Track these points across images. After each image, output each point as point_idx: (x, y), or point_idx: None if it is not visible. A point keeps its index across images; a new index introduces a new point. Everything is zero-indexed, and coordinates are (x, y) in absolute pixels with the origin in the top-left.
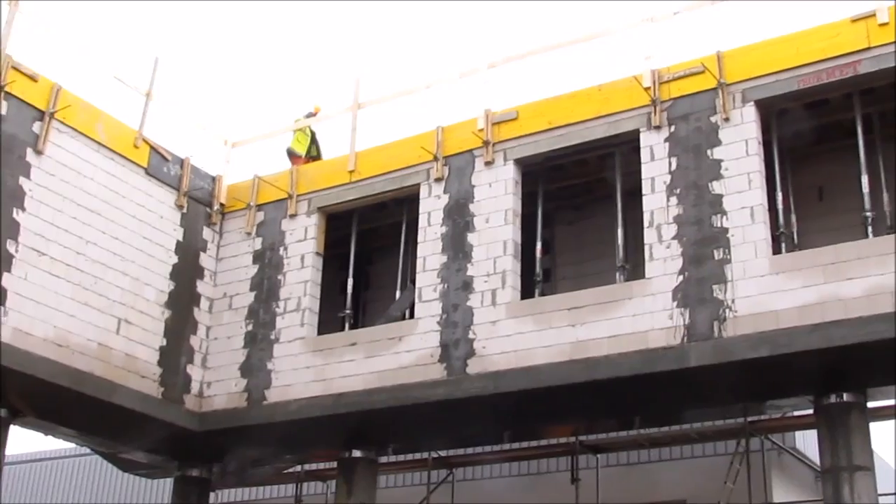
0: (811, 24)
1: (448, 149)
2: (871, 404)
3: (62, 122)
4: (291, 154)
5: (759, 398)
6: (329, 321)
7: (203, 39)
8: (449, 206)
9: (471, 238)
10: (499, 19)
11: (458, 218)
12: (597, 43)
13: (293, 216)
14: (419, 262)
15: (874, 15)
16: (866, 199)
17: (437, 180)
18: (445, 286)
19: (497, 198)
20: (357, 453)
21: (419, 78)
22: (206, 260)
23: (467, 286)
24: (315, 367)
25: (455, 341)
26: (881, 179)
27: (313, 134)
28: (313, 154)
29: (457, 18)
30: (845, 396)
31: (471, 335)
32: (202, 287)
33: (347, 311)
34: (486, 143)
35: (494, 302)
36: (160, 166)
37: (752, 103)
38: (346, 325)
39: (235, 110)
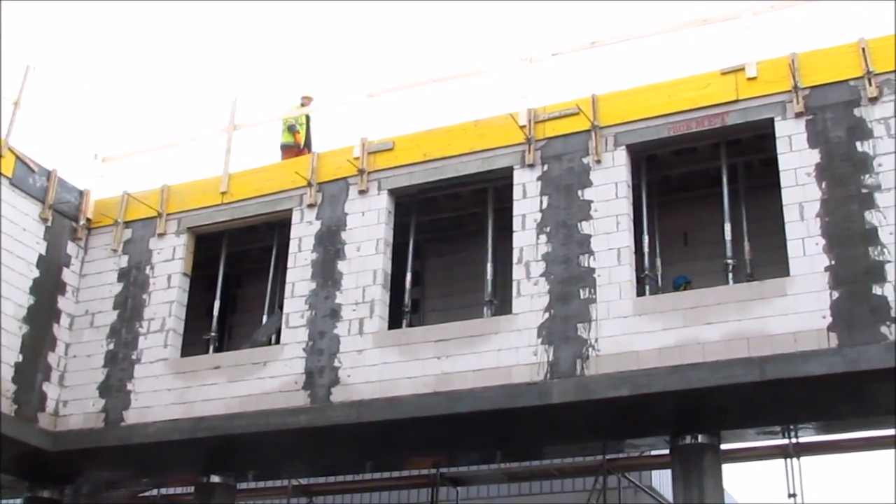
0: (684, 73)
1: (322, 175)
2: (724, 446)
3: None
4: (285, 147)
5: (617, 436)
6: (194, 343)
7: (81, 52)
8: (321, 233)
9: (341, 266)
10: (384, 50)
11: (330, 245)
12: (476, 79)
13: (162, 235)
14: (288, 287)
15: (743, 69)
16: (728, 246)
17: (310, 206)
18: (313, 313)
19: (369, 227)
20: (215, 479)
21: (296, 103)
22: (68, 275)
23: (335, 314)
24: (176, 390)
25: (320, 369)
26: (743, 228)
27: (308, 123)
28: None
29: (341, 46)
30: (700, 438)
31: (336, 363)
32: (63, 303)
33: (213, 334)
34: (360, 172)
35: (361, 331)
36: (25, 177)
37: (623, 147)
38: (211, 348)
39: (109, 124)
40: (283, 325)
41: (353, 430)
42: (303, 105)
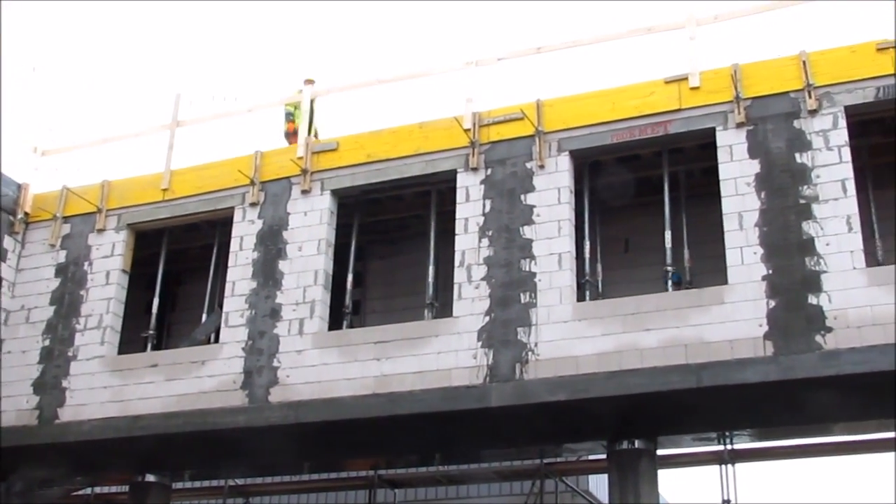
0: (629, 81)
1: (265, 174)
2: (660, 452)
3: None
4: (290, 134)
5: (555, 441)
6: (132, 341)
7: (20, 43)
8: (262, 232)
9: (282, 265)
10: (331, 51)
11: (271, 244)
12: (421, 81)
13: (101, 231)
14: (228, 286)
15: (687, 78)
16: (668, 253)
17: (252, 205)
18: (253, 312)
19: (311, 227)
20: (151, 478)
21: (241, 100)
22: (5, 270)
23: (275, 314)
24: (113, 388)
25: (259, 368)
26: (683, 236)
27: (312, 109)
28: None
29: (287, 44)
30: (637, 443)
31: (275, 363)
32: None
33: (151, 332)
34: (304, 172)
35: (301, 331)
36: None
37: (567, 153)
38: (149, 346)
39: (49, 117)
40: (223, 324)
41: (291, 430)
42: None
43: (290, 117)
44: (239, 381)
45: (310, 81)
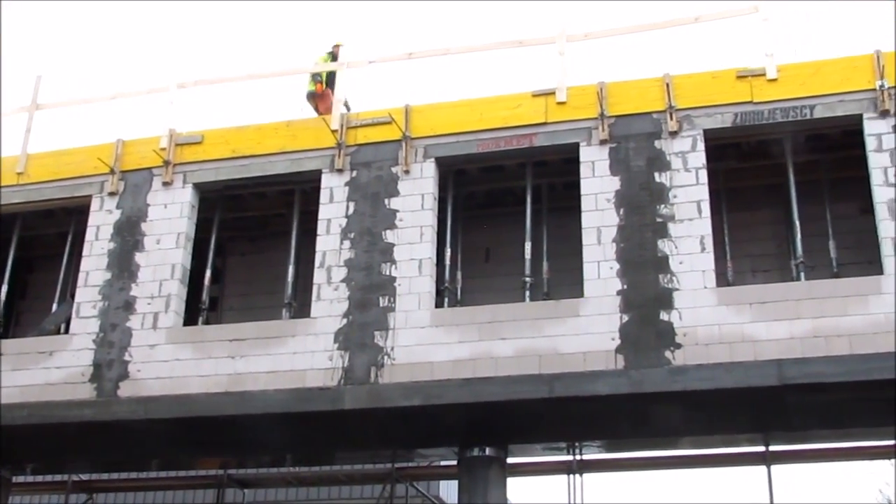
0: (498, 91)
1: (126, 164)
2: (510, 460)
3: None
4: (310, 97)
5: (408, 446)
6: None
7: None
8: (120, 223)
9: (138, 258)
10: (205, 44)
11: (128, 236)
12: (291, 80)
13: None
14: (81, 276)
15: (554, 93)
16: (527, 264)
17: (111, 194)
18: (106, 304)
19: (171, 220)
20: None
21: (105, 87)
22: None
23: (129, 306)
24: None
25: (109, 362)
26: (543, 248)
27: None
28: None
29: (160, 35)
30: (488, 450)
31: (126, 357)
32: None
33: None
34: (166, 163)
35: (155, 325)
36: None
37: (432, 160)
38: None
39: None
40: (74, 315)
41: (140, 426)
42: (332, 52)
43: (317, 78)
44: (88, 374)
45: (338, 45)
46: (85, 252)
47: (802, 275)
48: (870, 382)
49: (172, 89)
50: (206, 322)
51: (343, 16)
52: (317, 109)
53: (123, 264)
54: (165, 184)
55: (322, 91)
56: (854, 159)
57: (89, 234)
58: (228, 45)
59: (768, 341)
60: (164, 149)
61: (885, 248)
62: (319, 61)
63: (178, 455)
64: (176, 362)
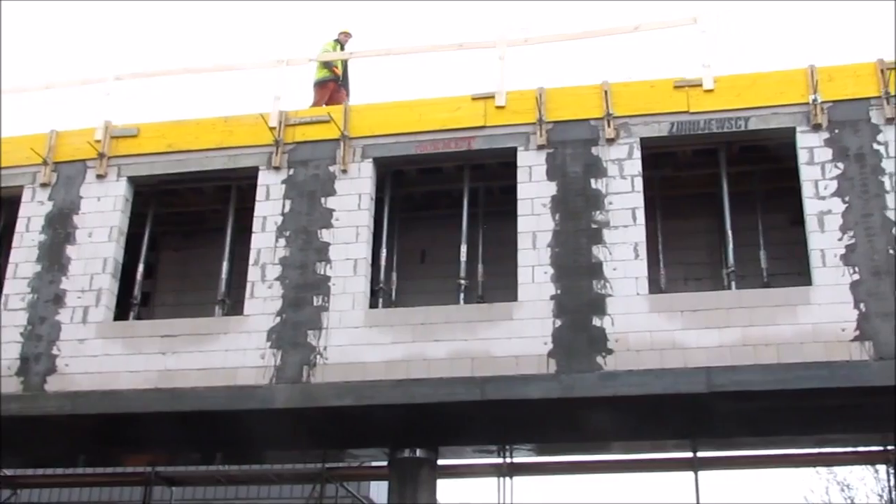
0: (438, 94)
1: (60, 155)
2: (441, 462)
3: None
4: (321, 83)
5: (339, 445)
6: None
7: None
8: (51, 215)
9: (70, 251)
10: (150, 40)
11: (60, 228)
12: (231, 76)
13: None
14: (10, 268)
15: (493, 97)
16: (463, 267)
17: (43, 186)
18: (35, 297)
19: (104, 213)
20: None
21: (40, 77)
22: None
23: (59, 300)
24: None
25: (37, 355)
26: (479, 251)
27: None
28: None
29: (104, 29)
30: (418, 452)
31: (55, 351)
32: None
33: None
34: (101, 156)
35: (85, 319)
36: None
37: (370, 160)
38: None
39: None
40: (1, 308)
41: (67, 421)
42: (339, 40)
43: (330, 64)
44: (14, 368)
45: (346, 34)
46: (15, 243)
47: (733, 284)
48: (796, 391)
49: (109, 81)
50: (138, 317)
51: (284, 16)
52: (320, 100)
53: (54, 257)
54: (99, 176)
55: (337, 73)
56: (786, 171)
57: (20, 225)
58: (190, 42)
59: (698, 349)
60: (98, 141)
61: (814, 260)
62: (326, 48)
63: (106, 451)
64: (105, 357)
